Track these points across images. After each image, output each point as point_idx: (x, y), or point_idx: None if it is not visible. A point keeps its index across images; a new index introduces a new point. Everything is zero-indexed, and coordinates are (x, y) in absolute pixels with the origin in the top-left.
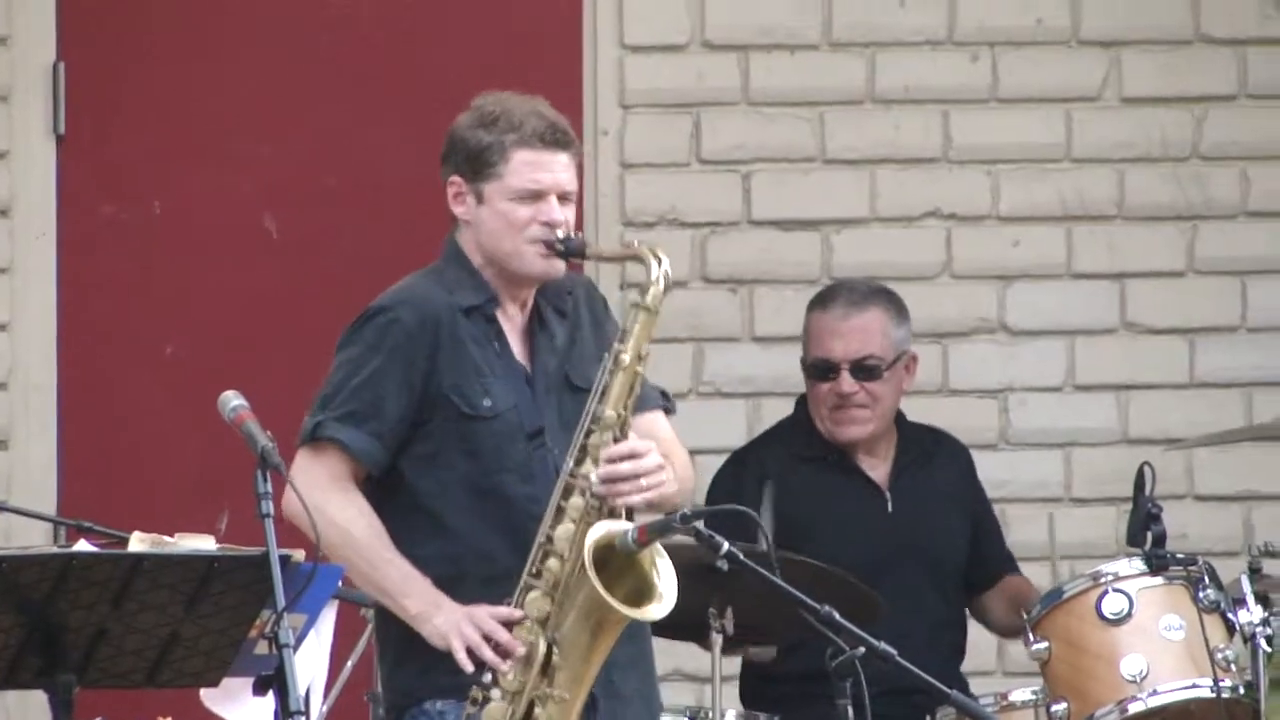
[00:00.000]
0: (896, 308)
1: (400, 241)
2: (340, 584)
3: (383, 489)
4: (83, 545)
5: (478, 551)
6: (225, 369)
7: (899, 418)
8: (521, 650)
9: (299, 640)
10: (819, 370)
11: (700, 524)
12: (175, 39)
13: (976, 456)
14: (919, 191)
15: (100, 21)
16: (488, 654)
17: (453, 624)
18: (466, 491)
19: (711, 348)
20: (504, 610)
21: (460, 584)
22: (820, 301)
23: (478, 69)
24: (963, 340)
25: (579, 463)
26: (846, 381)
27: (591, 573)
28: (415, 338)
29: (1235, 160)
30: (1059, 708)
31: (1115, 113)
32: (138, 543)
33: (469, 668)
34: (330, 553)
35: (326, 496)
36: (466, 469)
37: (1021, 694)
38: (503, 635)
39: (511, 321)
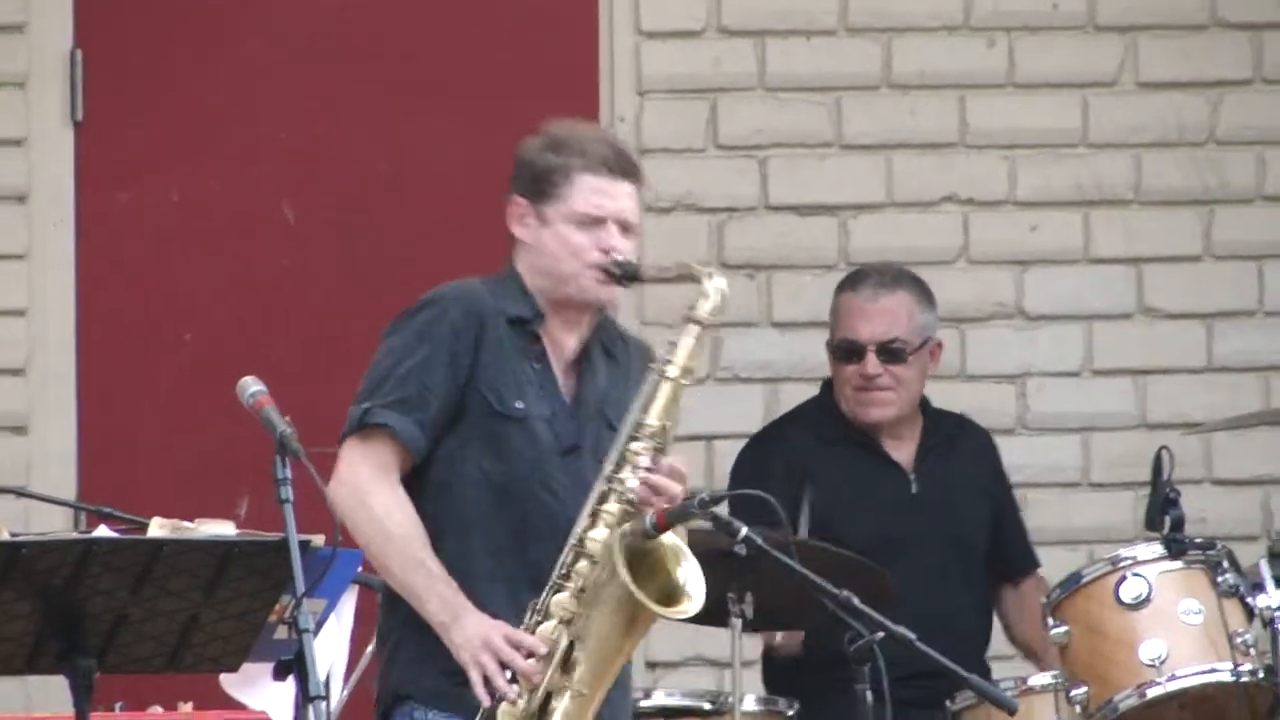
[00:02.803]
0: (923, 293)
1: (418, 228)
2: (359, 569)
3: (408, 478)
4: (102, 531)
5: (490, 551)
6: (243, 355)
7: (924, 403)
8: (544, 649)
9: (319, 625)
10: (845, 351)
11: (718, 509)
12: (193, 25)
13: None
14: (936, 176)
15: (118, 8)
16: (500, 683)
17: (471, 651)
18: (487, 490)
19: (729, 333)
20: (526, 637)
21: (471, 583)
22: (849, 283)
23: (495, 56)
24: (980, 325)
25: (618, 469)
26: (872, 363)
27: (624, 573)
28: (461, 332)
29: (1251, 144)
30: (1078, 692)
31: (1132, 97)
32: (157, 528)
33: (486, 702)
34: (365, 546)
35: (372, 488)
36: (490, 467)
37: (1041, 678)
38: (520, 664)
39: (558, 348)
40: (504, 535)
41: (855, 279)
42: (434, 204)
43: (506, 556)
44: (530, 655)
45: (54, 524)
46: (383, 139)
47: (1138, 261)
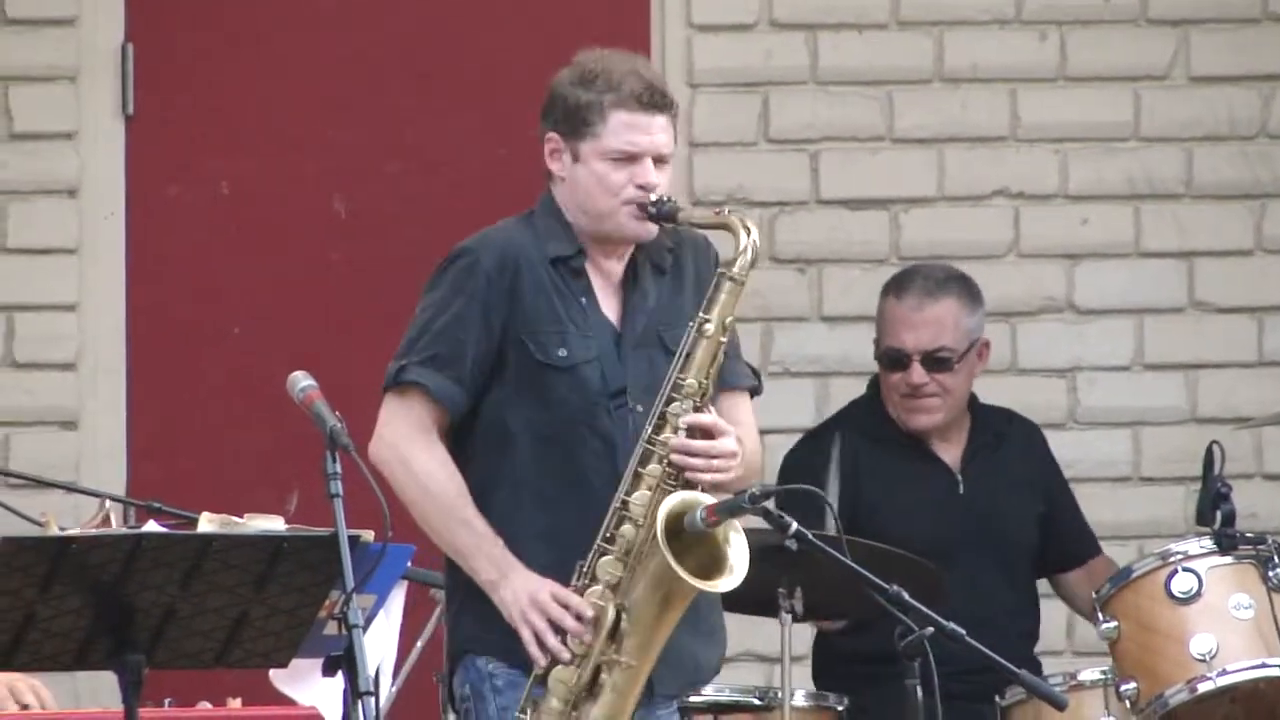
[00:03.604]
0: (970, 295)
1: (468, 222)
2: (409, 565)
3: (455, 431)
4: (152, 526)
5: (540, 504)
6: (293, 349)
7: (971, 399)
8: (590, 613)
9: (368, 621)
10: (891, 360)
11: (769, 504)
12: (243, 19)
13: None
14: (987, 170)
15: (168, 2)
16: (551, 641)
17: (519, 609)
18: (534, 440)
19: (780, 328)
20: (573, 598)
21: (520, 538)
22: (894, 288)
23: (545, 50)
24: (1031, 320)
25: (658, 430)
26: (917, 372)
27: (664, 543)
28: (495, 281)
29: None
30: (1128, 687)
31: (1183, 91)
32: (207, 523)
33: (542, 661)
34: (408, 506)
35: (410, 448)
36: (535, 417)
37: (1090, 674)
38: (570, 623)
39: (604, 277)
40: (558, 487)
41: (900, 284)
42: (484, 198)
43: (560, 509)
44: (579, 617)
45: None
46: (433, 134)
47: (1189, 255)
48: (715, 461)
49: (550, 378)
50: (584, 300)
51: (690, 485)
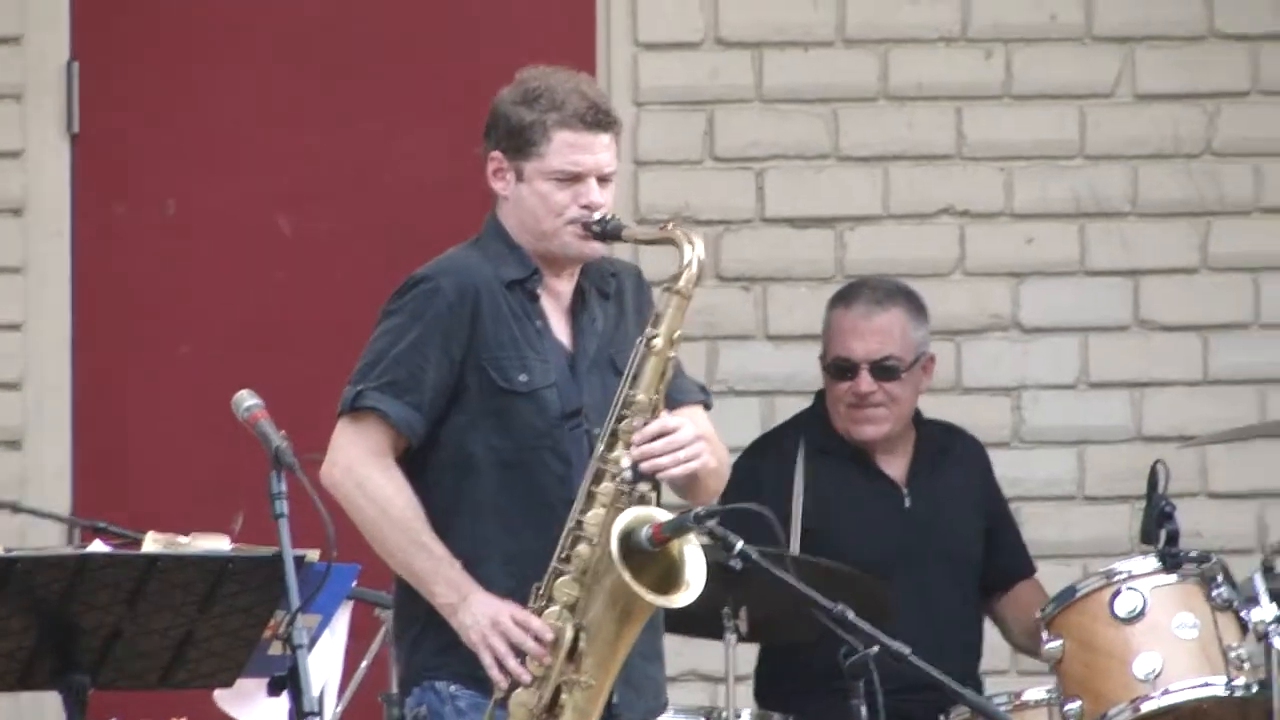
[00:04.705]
0: (917, 308)
1: (414, 240)
2: (354, 585)
3: (415, 458)
4: (97, 546)
5: (502, 528)
6: (239, 368)
7: (916, 415)
8: (550, 636)
9: (313, 641)
10: (838, 369)
11: (715, 523)
12: (189, 38)
13: (989, 454)
14: (932, 188)
15: (114, 20)
16: (512, 663)
17: (479, 632)
18: (496, 466)
19: (725, 346)
20: (534, 620)
21: (482, 562)
22: (841, 300)
23: (490, 68)
24: (976, 337)
25: (610, 448)
26: (865, 381)
27: (618, 560)
28: (455, 307)
29: (1248, 156)
30: (1072, 706)
31: (1129, 109)
32: (152, 543)
33: (503, 684)
34: (364, 530)
35: (366, 472)
36: (498, 443)
37: (1035, 693)
38: (530, 646)
39: (554, 299)
40: (520, 511)
41: (848, 295)
42: (429, 216)
43: (522, 533)
44: (539, 639)
45: (48, 539)
46: (378, 151)
47: (1134, 274)
48: (681, 452)
49: (512, 403)
50: (539, 324)
51: (644, 500)
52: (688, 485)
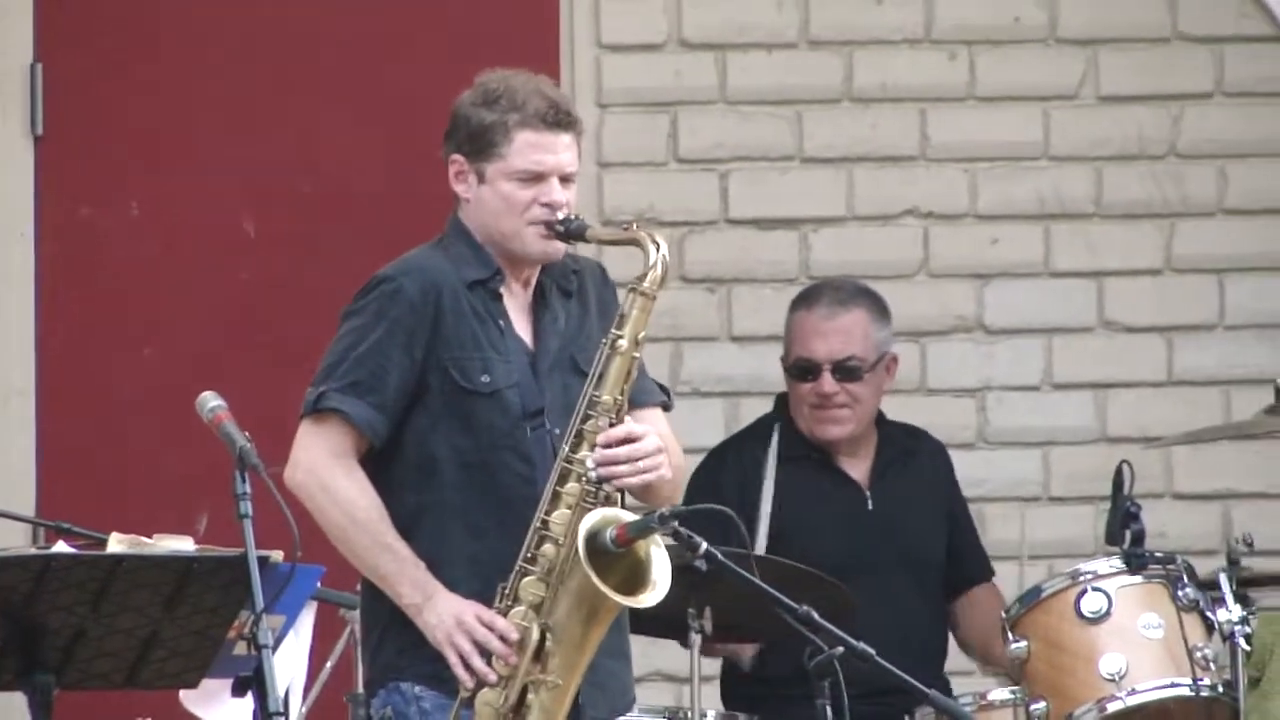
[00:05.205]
0: (879, 308)
1: (378, 241)
2: (319, 585)
3: (378, 460)
4: (61, 546)
5: (466, 529)
6: (203, 370)
7: (879, 417)
8: (515, 635)
9: (278, 641)
10: (800, 370)
11: (678, 524)
12: (153, 40)
13: (954, 456)
14: (896, 190)
15: (78, 23)
16: (477, 663)
17: (445, 632)
18: (459, 467)
19: (689, 347)
20: (499, 620)
21: (447, 564)
22: (803, 301)
23: (454, 70)
24: (940, 339)
25: (575, 448)
26: (828, 382)
27: (585, 560)
28: (418, 308)
29: (1212, 158)
30: (1038, 707)
31: (1093, 111)
32: (116, 544)
33: (469, 684)
34: (329, 531)
35: (330, 474)
36: (460, 444)
37: (1000, 693)
38: (496, 645)
39: (515, 299)
40: (484, 511)
41: (810, 296)
42: (393, 218)
43: (487, 534)
44: (504, 639)
45: (12, 540)
46: (343, 154)
47: (1098, 275)
48: (641, 463)
49: (474, 403)
50: (501, 324)
51: (610, 500)
52: (641, 492)
